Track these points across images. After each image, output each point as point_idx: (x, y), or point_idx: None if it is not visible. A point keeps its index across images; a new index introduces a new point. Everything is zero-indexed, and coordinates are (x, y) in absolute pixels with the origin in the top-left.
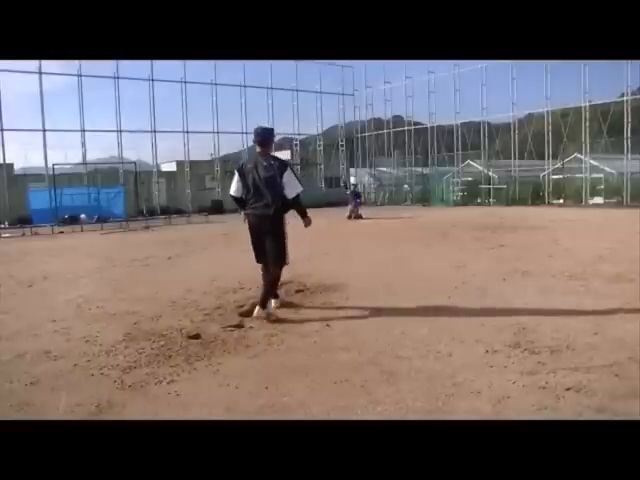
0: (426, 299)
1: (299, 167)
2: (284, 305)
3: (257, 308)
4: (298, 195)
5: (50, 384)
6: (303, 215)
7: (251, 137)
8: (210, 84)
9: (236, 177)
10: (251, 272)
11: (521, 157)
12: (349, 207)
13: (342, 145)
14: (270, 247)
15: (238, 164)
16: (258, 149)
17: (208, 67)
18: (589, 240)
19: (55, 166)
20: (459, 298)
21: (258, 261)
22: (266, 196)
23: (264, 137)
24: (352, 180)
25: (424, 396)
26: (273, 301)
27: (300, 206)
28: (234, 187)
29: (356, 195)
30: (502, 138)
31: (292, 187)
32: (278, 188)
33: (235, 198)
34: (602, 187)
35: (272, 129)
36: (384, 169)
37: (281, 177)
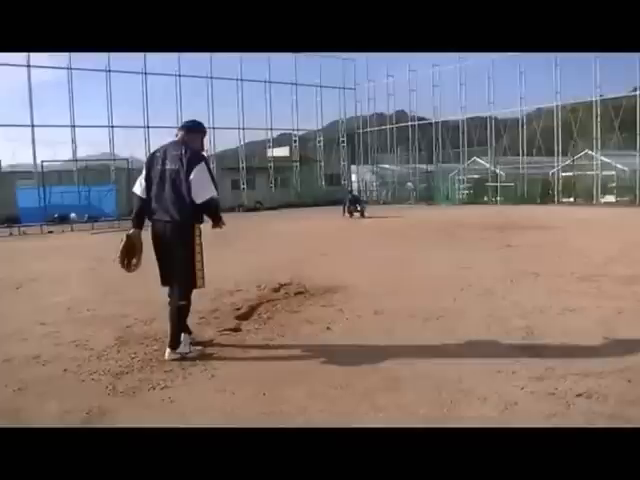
0: (431, 301)
1: (298, 164)
2: (198, 343)
3: (167, 351)
4: (210, 201)
5: (39, 390)
6: (216, 222)
7: (248, 133)
8: (205, 78)
9: (144, 170)
10: (248, 274)
11: (529, 154)
12: (347, 206)
13: (343, 141)
14: (174, 266)
15: (150, 153)
16: (178, 136)
17: (203, 60)
18: (600, 240)
19: (44, 163)
20: (465, 300)
21: (163, 283)
22: (170, 198)
23: (193, 124)
24: (354, 178)
25: (429, 403)
26: (183, 336)
27: (212, 215)
28: (138, 183)
29: (356, 200)
30: (510, 134)
31: (202, 188)
32: (183, 187)
33: (141, 199)
34: (614, 185)
35: (205, 130)
36: (387, 166)
37: (188, 174)
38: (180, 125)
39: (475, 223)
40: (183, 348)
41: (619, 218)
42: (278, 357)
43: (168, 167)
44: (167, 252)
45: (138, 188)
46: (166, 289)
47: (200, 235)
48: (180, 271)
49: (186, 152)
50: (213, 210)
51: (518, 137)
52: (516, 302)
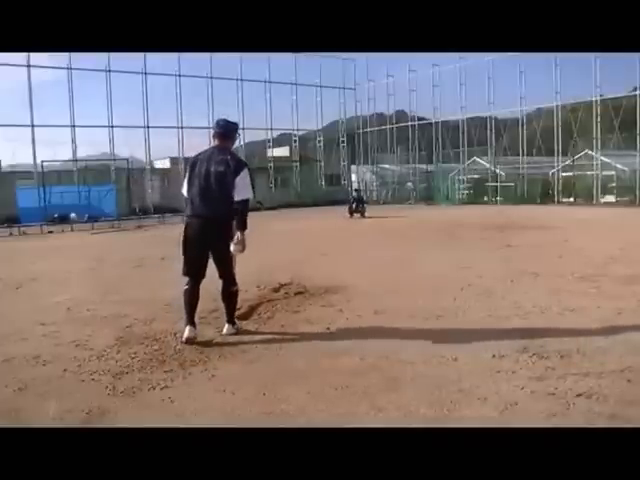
0: (431, 301)
1: (298, 164)
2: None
3: (227, 326)
4: (246, 201)
5: (39, 390)
6: (241, 228)
7: (248, 133)
8: (206, 78)
9: (189, 173)
10: (248, 274)
11: (529, 154)
12: (349, 206)
13: (343, 141)
14: (217, 259)
15: (194, 156)
16: (216, 142)
17: (203, 60)
18: (601, 240)
19: (44, 163)
20: (465, 300)
21: (186, 273)
22: (215, 196)
23: (227, 129)
24: (353, 178)
25: (429, 403)
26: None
27: (243, 215)
28: (186, 186)
29: (359, 201)
30: (510, 134)
31: (243, 190)
32: (229, 187)
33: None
34: (614, 185)
35: (237, 124)
36: (387, 166)
37: (235, 176)
38: (215, 129)
39: (475, 223)
40: (237, 326)
41: (619, 218)
42: (278, 357)
43: (214, 169)
44: (204, 246)
45: (185, 190)
46: (182, 283)
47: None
48: (225, 263)
49: (232, 158)
50: (246, 212)
51: (518, 137)
52: (516, 302)
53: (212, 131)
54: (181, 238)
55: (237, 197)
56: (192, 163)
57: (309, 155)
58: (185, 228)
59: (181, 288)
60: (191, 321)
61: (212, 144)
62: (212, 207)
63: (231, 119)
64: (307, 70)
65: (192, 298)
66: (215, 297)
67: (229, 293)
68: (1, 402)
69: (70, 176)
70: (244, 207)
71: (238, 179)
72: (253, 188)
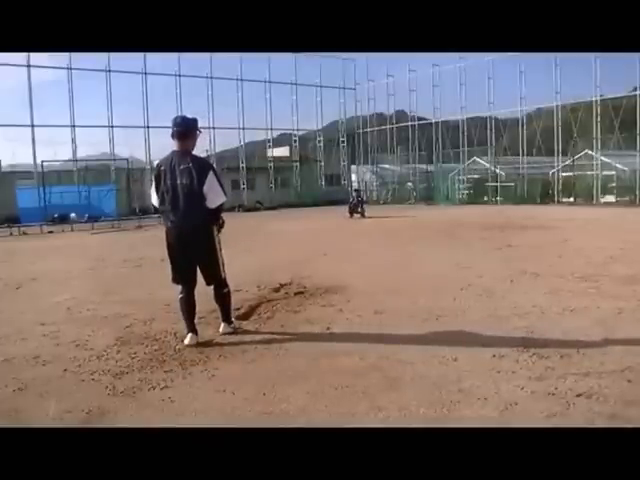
0: (431, 301)
1: (298, 164)
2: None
3: (222, 325)
4: (220, 206)
5: (39, 390)
6: (218, 229)
7: (248, 133)
8: (205, 77)
9: (155, 185)
10: (248, 274)
11: (529, 153)
12: (349, 206)
13: (343, 141)
14: (201, 264)
15: (156, 166)
16: (176, 145)
17: (203, 60)
18: (601, 240)
19: (44, 163)
20: (465, 300)
21: (175, 281)
22: (185, 207)
23: (186, 128)
24: (354, 178)
25: (429, 403)
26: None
27: (217, 218)
28: (154, 195)
29: (359, 201)
30: (510, 134)
31: (215, 196)
32: (199, 198)
33: (160, 210)
34: (614, 185)
35: (196, 119)
36: (387, 166)
37: (201, 187)
38: (173, 129)
39: (475, 223)
40: (233, 324)
41: (619, 218)
42: (278, 357)
43: (179, 182)
44: (186, 253)
45: (155, 200)
46: (178, 287)
47: (218, 233)
48: (210, 267)
49: (194, 164)
50: (221, 211)
51: (518, 137)
52: (516, 302)
53: (170, 131)
54: (165, 244)
55: (211, 205)
56: (156, 175)
57: (309, 155)
58: (166, 235)
59: (176, 295)
60: (192, 328)
61: (173, 148)
62: (186, 219)
63: (231, 119)
64: (307, 70)
65: (188, 306)
66: (213, 298)
67: (221, 295)
68: (1, 402)
69: (70, 176)
70: (218, 210)
71: (205, 188)
72: (222, 187)
